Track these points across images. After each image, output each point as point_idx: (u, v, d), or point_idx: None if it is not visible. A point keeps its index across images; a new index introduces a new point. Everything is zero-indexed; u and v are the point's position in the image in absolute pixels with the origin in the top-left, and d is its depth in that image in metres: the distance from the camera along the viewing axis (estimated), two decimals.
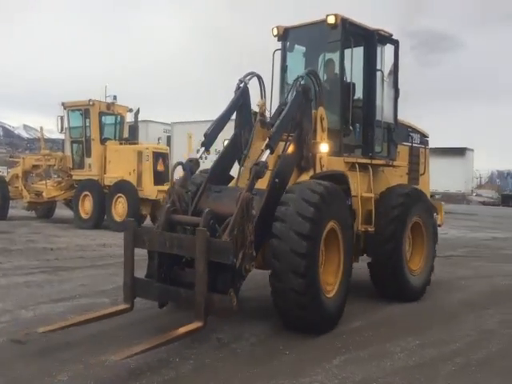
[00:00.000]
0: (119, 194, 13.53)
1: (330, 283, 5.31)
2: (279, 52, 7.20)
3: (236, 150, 6.07)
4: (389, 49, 7.09)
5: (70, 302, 6.02)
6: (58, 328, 4.39)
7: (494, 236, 16.55)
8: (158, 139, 22.33)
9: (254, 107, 6.35)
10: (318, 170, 5.86)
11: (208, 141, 5.68)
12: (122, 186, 13.63)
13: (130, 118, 15.75)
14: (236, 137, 6.12)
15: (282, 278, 4.80)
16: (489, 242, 14.63)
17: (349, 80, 6.67)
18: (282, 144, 5.60)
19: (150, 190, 13.67)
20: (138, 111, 15.41)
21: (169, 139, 24.59)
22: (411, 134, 7.90)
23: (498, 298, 7.19)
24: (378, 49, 6.87)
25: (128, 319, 5.00)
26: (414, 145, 7.88)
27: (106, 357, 3.97)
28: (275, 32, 7.10)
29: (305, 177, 5.64)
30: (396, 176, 7.40)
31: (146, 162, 13.79)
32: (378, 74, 6.84)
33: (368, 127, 6.77)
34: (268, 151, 5.06)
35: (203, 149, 5.66)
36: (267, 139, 5.17)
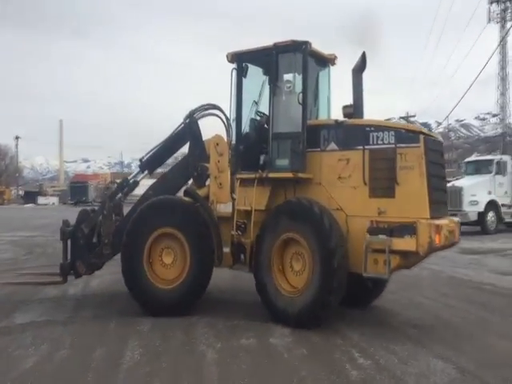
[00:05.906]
0: None
1: (173, 276, 6.72)
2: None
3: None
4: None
5: None
6: None
7: None
8: None
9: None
10: (215, 187, 7.25)
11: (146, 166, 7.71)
12: None
13: None
14: None
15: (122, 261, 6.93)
16: None
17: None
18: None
19: None
20: None
21: None
22: (373, 133, 6.27)
23: None
24: (284, 59, 6.74)
25: None
26: (372, 147, 6.24)
27: None
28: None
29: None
30: (337, 188, 6.39)
31: None
32: (278, 86, 6.73)
33: (266, 143, 6.74)
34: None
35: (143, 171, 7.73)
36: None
